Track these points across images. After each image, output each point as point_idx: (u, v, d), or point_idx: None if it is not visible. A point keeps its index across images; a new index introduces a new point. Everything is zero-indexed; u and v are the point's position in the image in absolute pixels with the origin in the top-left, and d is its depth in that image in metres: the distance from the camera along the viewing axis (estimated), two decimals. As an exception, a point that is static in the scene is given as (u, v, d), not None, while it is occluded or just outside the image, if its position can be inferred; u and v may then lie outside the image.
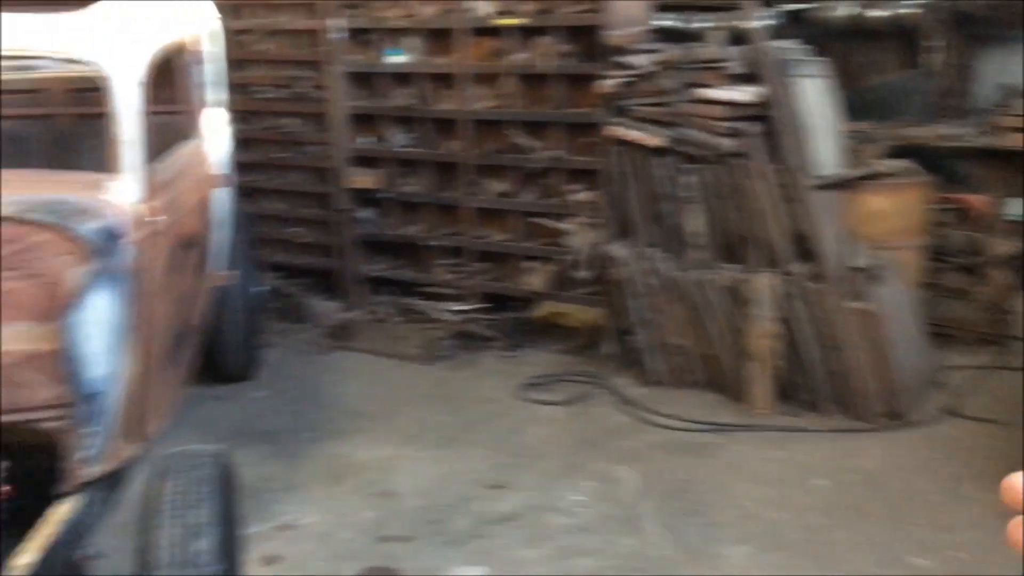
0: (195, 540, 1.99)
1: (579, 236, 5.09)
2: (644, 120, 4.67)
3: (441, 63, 5.44)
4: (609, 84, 4.75)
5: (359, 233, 5.75)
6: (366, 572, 3.28)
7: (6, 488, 2.44)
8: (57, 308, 2.68)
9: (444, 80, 5.44)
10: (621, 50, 4.75)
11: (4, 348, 2.63)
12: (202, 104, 4.11)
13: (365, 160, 5.70)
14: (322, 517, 3.60)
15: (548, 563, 3.34)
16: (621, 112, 4.75)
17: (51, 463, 2.67)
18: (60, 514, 2.54)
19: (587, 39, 4.99)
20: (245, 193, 5.01)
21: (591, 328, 5.08)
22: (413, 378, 4.91)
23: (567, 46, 5.11)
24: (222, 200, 4.23)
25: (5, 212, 2.72)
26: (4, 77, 4.64)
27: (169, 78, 3.80)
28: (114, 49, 3.04)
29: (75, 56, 3.00)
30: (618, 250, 4.75)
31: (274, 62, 5.90)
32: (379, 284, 5.81)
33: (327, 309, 5.65)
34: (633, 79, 4.70)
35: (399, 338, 5.33)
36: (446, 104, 5.45)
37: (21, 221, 2.72)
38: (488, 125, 5.36)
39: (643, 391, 4.62)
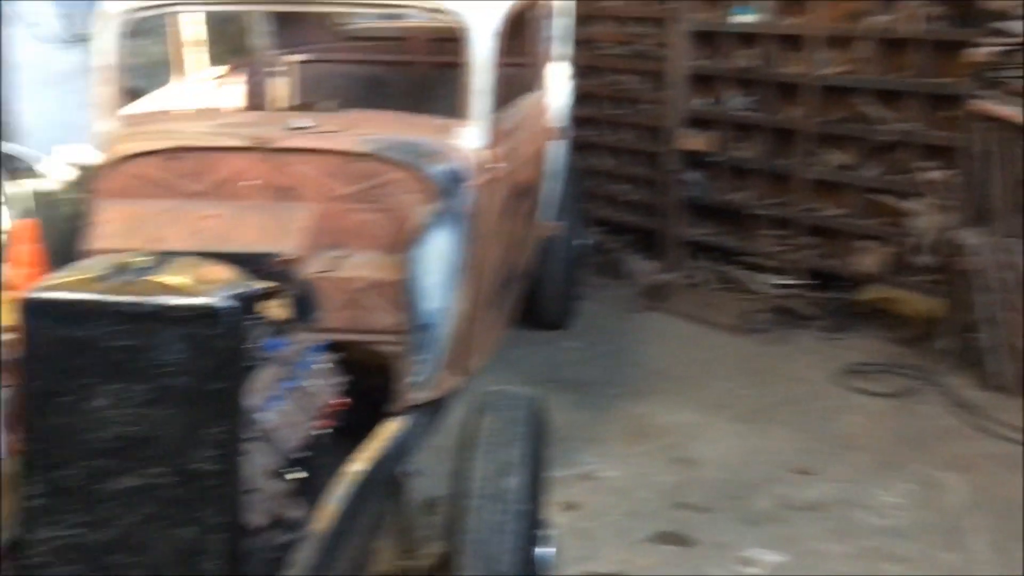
0: (505, 477, 2.07)
1: (925, 218, 4.66)
2: (1020, 95, 4.15)
3: (791, 24, 5.16)
4: (982, 52, 4.26)
5: (685, 195, 5.67)
6: (659, 534, 3.27)
7: (344, 401, 2.68)
8: (403, 242, 2.89)
9: (792, 42, 5.16)
10: (1001, 15, 4.23)
11: (354, 274, 2.88)
12: (548, 57, 4.22)
13: (699, 122, 5.58)
14: (621, 473, 3.63)
15: (852, 562, 3.14)
16: (992, 85, 4.25)
17: (384, 384, 2.91)
18: (388, 431, 2.76)
19: (960, 2, 4.50)
20: (578, 147, 5.10)
21: (926, 319, 4.66)
22: (724, 348, 4.79)
23: (936, 9, 4.65)
24: (557, 152, 4.33)
25: (366, 149, 2.97)
26: (372, 26, 5.07)
27: (520, 30, 3.92)
28: (475, 2, 3.18)
29: (439, 7, 3.17)
30: (970, 237, 4.30)
31: (619, 18, 5.92)
32: (699, 249, 5.71)
33: (644, 269, 5.66)
34: (1012, 48, 4.18)
35: (714, 306, 5.22)
36: (791, 67, 5.18)
37: (380, 159, 2.96)
38: (834, 92, 5.02)
39: (981, 395, 4.17)
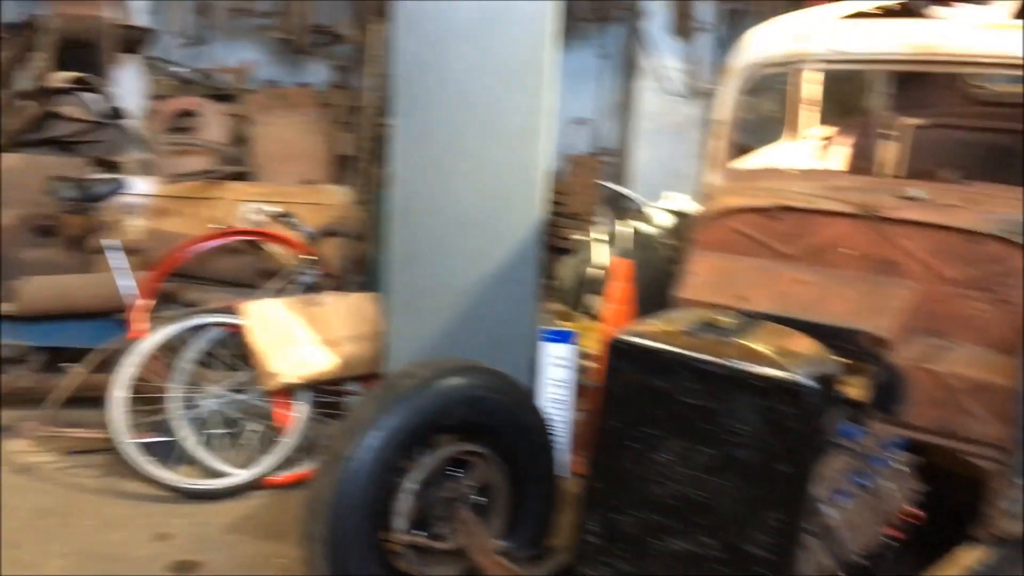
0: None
1: None
2: None
3: None
4: None
5: None
6: None
7: (918, 512, 2.35)
8: (1018, 341, 2.45)
9: None
10: None
11: (955, 369, 2.51)
12: None
13: None
14: None
15: None
16: None
17: (970, 502, 2.50)
18: (967, 559, 2.36)
19: None
20: None
21: None
22: None
23: None
24: None
25: (991, 230, 2.58)
26: (1010, 89, 4.50)
27: None
28: None
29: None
30: None
31: None
32: None
33: None
34: None
35: None
36: None
37: (1007, 242, 2.55)
38: None
39: None
